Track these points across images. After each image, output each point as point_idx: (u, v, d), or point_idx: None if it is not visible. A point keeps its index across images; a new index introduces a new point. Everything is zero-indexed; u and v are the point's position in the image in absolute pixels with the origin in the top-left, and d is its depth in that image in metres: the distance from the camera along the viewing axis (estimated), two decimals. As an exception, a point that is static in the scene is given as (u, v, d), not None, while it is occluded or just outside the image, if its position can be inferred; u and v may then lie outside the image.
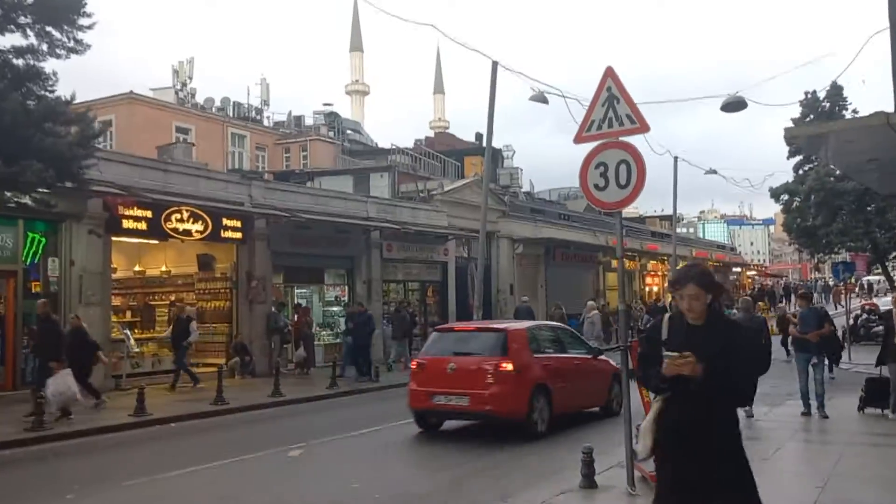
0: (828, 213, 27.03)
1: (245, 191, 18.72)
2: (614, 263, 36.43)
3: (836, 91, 26.02)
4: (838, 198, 25.84)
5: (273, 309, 19.15)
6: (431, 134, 59.35)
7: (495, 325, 11.88)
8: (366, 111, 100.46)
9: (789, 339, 15.17)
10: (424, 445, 10.16)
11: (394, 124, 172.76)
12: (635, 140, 6.91)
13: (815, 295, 38.18)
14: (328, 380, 15.89)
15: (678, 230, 60.62)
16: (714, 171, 35.43)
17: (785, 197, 29.15)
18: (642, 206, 62.29)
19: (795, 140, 8.32)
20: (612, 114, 6.78)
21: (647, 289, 40.14)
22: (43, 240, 14.65)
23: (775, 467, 7.97)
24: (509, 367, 9.93)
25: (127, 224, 15.64)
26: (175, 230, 16.58)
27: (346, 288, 22.30)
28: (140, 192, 15.36)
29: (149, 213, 15.95)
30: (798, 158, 28.40)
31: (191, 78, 47.00)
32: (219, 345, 18.59)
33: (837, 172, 25.19)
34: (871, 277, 45.68)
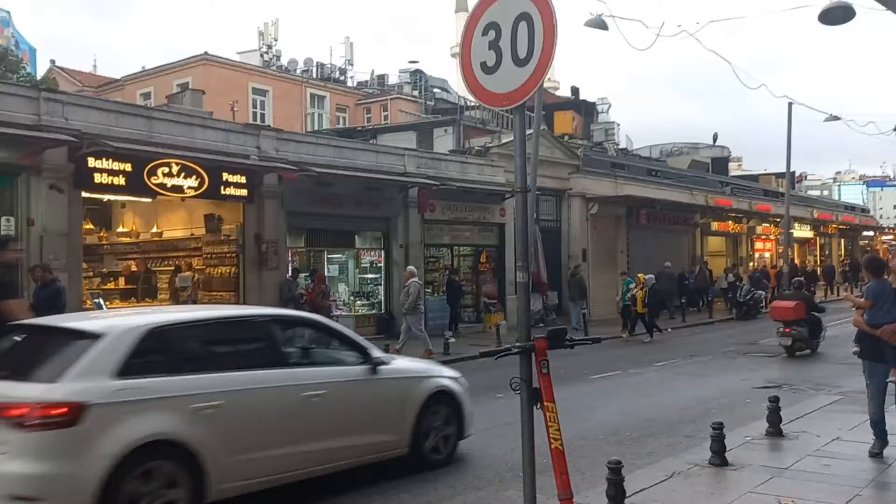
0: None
1: (252, 142, 16.52)
2: (715, 226, 32.00)
3: None
4: None
5: (288, 276, 17.06)
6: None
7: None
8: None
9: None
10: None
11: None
12: None
13: None
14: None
15: (808, 193, 54.18)
16: (836, 118, 30.13)
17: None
18: (753, 163, 55.34)
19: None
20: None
21: (756, 254, 35.21)
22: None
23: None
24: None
25: (99, 178, 13.66)
26: (162, 186, 14.57)
27: (382, 253, 19.88)
28: (107, 140, 13.38)
29: (127, 166, 13.95)
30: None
31: (276, 40, 46.24)
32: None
33: None
34: None
